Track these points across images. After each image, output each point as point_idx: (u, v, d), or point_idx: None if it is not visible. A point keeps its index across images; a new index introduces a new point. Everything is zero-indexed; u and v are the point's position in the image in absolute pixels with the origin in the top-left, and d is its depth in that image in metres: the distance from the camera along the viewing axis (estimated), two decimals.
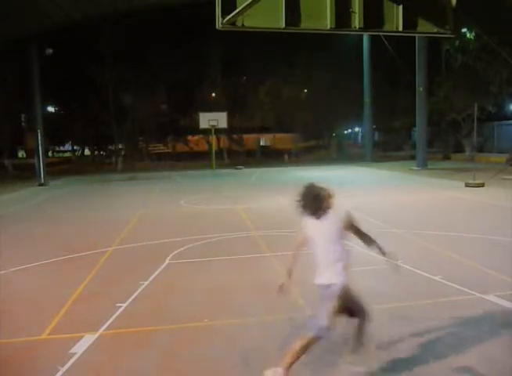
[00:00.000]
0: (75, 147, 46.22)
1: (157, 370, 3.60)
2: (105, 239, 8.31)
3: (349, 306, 3.28)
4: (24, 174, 23.99)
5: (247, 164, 28.03)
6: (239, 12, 6.12)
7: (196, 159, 34.17)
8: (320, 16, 6.42)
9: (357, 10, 6.47)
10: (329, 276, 3.21)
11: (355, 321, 3.41)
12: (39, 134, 21.68)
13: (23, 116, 33.94)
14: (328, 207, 3.20)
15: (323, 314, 3.19)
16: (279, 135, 41.75)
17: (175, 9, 23.36)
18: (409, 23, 6.80)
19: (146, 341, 4.08)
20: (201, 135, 36.96)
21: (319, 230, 3.24)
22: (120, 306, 4.86)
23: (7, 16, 16.43)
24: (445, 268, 5.88)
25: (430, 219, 9.53)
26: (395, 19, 6.74)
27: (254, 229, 8.82)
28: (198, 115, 28.30)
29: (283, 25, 6.31)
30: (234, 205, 12.08)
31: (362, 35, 26.90)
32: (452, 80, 24.84)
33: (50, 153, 47.74)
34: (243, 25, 6.21)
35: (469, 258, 6.28)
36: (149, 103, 32.58)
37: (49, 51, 24.84)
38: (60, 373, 3.55)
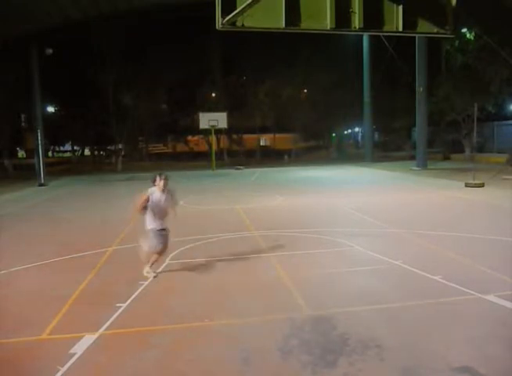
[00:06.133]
0: (75, 147, 46.22)
1: (157, 370, 3.60)
2: (105, 239, 8.31)
3: None
4: (24, 174, 23.98)
5: (247, 164, 28.03)
6: (239, 12, 6.13)
7: (196, 159, 34.18)
8: (320, 17, 6.44)
9: (357, 10, 6.49)
10: None
11: None
12: (39, 134, 21.68)
13: (23, 116, 33.94)
14: None
15: None
16: (279, 135, 41.74)
17: (175, 8, 23.35)
18: (409, 23, 6.82)
19: (146, 341, 4.08)
20: (201, 136, 36.97)
21: None
22: (120, 306, 4.86)
23: (7, 16, 16.43)
24: (444, 268, 5.88)
25: (430, 219, 9.53)
26: (395, 19, 6.76)
27: (254, 229, 8.81)
28: (198, 115, 28.31)
29: (283, 25, 6.33)
30: (234, 205, 12.08)
31: (362, 35, 26.91)
32: (452, 80, 24.82)
33: (50, 153, 47.79)
34: (243, 25, 6.23)
35: (469, 258, 6.28)
36: (149, 103, 32.58)
37: (49, 51, 24.83)
38: (60, 373, 3.55)
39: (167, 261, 6.65)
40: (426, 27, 6.93)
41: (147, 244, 5.90)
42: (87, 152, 45.05)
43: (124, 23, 25.87)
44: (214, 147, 29.81)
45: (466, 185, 14.39)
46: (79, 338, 4.11)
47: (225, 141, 38.16)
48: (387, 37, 23.87)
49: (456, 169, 20.67)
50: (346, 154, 36.69)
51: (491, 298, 4.78)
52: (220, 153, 34.41)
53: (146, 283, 5.64)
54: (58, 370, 3.57)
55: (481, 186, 14.23)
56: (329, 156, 37.01)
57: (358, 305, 4.74)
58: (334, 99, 32.11)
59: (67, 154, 49.14)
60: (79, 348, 3.92)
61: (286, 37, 24.67)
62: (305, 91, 36.46)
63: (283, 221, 9.73)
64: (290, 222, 9.62)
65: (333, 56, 30.69)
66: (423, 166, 22.40)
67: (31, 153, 28.91)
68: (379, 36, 22.77)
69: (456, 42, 23.63)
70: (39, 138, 21.59)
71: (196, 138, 39.96)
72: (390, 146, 38.08)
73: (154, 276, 5.84)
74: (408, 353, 3.70)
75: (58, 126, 34.92)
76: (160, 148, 45.22)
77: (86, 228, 9.83)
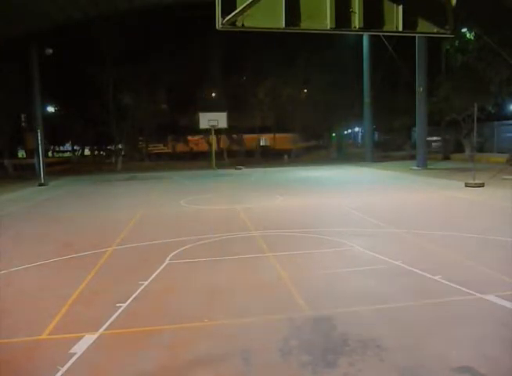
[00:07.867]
0: (75, 147, 46.25)
1: (157, 370, 3.60)
2: (105, 239, 8.31)
3: None
4: (24, 174, 23.99)
5: (247, 164, 28.02)
6: (239, 12, 6.13)
7: (197, 159, 34.19)
8: (320, 16, 6.43)
9: (357, 10, 6.48)
10: None
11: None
12: (39, 134, 21.67)
13: (23, 116, 33.95)
14: None
15: None
16: (279, 135, 41.73)
17: (175, 8, 23.37)
18: (409, 23, 6.81)
19: (146, 341, 4.08)
20: (201, 135, 36.99)
21: None
22: (120, 306, 4.86)
23: (7, 16, 16.44)
24: (445, 268, 5.88)
25: (430, 219, 9.53)
26: (395, 19, 6.75)
27: (254, 229, 8.81)
28: (198, 115, 28.31)
29: (283, 25, 6.32)
30: (234, 205, 12.08)
31: (362, 35, 26.90)
32: (452, 80, 24.82)
33: (50, 153, 47.78)
34: (243, 25, 6.22)
35: (469, 258, 6.28)
36: (149, 103, 32.58)
37: (49, 51, 24.84)
38: (60, 373, 3.55)
39: (167, 261, 6.65)
40: (426, 27, 6.92)
41: None
42: (87, 152, 45.08)
43: (124, 23, 25.92)
44: (214, 147, 29.81)
45: (467, 185, 14.39)
46: (79, 338, 4.11)
47: (225, 141, 38.15)
48: (387, 37, 23.88)
49: (456, 169, 20.66)
50: (346, 154, 36.67)
51: (491, 298, 4.78)
52: (220, 153, 34.40)
53: (146, 283, 5.64)
54: (58, 370, 3.57)
55: (481, 185, 14.23)
56: (329, 156, 36.97)
57: (358, 305, 4.74)
58: (334, 99, 32.08)
59: (67, 154, 49.17)
60: (79, 348, 3.92)
61: (286, 37, 24.68)
62: (305, 91, 36.46)
63: (283, 221, 9.73)
64: (290, 222, 9.62)
65: (333, 55, 30.69)
66: (423, 166, 22.40)
67: (31, 153, 28.93)
68: (379, 36, 22.77)
69: (456, 42, 23.61)
70: (39, 138, 21.58)
71: (196, 138, 39.96)
72: (390, 145, 38.07)
73: None
74: (408, 353, 3.70)
75: (58, 126, 34.92)
76: (160, 148, 45.21)
77: (86, 228, 9.83)
